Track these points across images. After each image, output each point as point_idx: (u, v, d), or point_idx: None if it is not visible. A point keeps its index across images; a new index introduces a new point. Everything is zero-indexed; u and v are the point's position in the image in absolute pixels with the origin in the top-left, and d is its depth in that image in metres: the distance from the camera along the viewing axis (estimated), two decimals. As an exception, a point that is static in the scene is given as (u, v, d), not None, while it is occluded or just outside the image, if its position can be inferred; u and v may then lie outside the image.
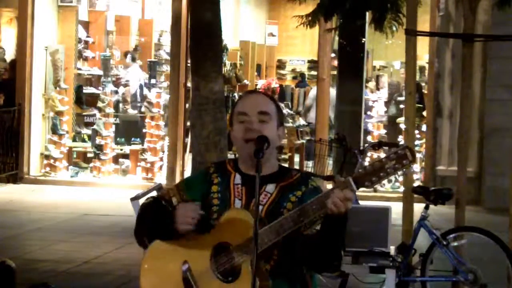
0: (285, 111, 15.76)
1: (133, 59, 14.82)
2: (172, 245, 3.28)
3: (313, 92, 17.30)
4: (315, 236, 3.16)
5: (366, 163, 12.99)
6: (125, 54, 14.91)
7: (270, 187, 3.31)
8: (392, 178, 13.13)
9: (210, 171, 3.41)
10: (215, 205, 3.32)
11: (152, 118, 13.93)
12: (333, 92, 14.43)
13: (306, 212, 3.08)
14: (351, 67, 13.46)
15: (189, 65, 10.00)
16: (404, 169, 3.00)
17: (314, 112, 16.31)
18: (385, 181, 3.14)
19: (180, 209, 3.23)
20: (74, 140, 14.39)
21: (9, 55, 15.42)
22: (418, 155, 13.41)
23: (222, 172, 3.38)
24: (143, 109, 14.15)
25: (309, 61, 21.66)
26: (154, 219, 3.31)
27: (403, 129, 10.08)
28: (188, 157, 13.09)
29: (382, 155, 13.43)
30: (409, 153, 2.98)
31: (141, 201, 5.75)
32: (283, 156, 15.01)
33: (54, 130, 13.93)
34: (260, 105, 3.33)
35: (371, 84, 15.50)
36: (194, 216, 3.21)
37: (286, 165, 14.50)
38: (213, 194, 3.35)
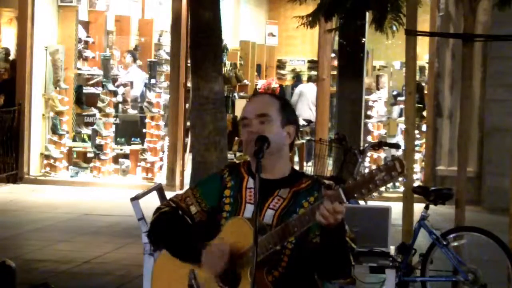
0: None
1: (134, 60, 14.80)
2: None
3: (297, 90, 17.43)
4: (319, 246, 3.17)
5: (366, 163, 13.01)
6: (126, 53, 14.88)
7: (283, 192, 3.30)
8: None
9: (224, 175, 3.41)
10: (226, 211, 3.34)
11: (152, 118, 13.93)
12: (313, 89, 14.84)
13: (300, 222, 3.08)
14: (351, 67, 13.45)
15: (189, 65, 10.00)
16: (393, 181, 2.99)
17: (298, 109, 16.53)
18: (376, 193, 3.13)
19: (207, 255, 3.20)
20: (74, 140, 14.38)
21: (10, 55, 15.42)
22: (418, 155, 13.41)
23: (236, 176, 3.39)
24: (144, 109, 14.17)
25: (309, 61, 21.67)
26: (174, 237, 3.32)
27: (403, 129, 10.09)
28: (188, 157, 13.09)
29: (382, 155, 13.52)
30: (398, 165, 2.97)
31: (141, 202, 5.76)
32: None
33: (54, 130, 13.93)
34: (259, 108, 3.33)
35: (371, 85, 15.50)
36: (221, 266, 3.19)
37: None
38: (225, 198, 3.36)
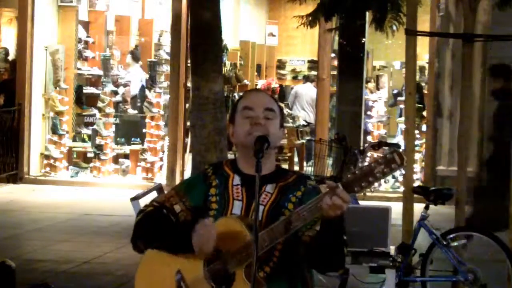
0: (285, 111, 15.78)
1: (136, 60, 14.79)
2: (166, 253, 3.28)
3: (293, 91, 17.49)
4: (316, 238, 3.15)
5: (367, 163, 12.98)
6: (130, 53, 14.86)
7: (270, 187, 3.28)
8: (391, 178, 13.14)
9: (208, 173, 3.37)
10: (213, 209, 3.30)
11: (152, 118, 13.93)
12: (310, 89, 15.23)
13: (297, 220, 3.07)
14: (351, 67, 13.46)
15: (189, 65, 10.00)
16: (393, 173, 3.00)
17: (294, 110, 16.60)
18: (376, 184, 3.15)
19: (196, 237, 3.15)
20: (74, 140, 14.39)
21: (9, 55, 15.42)
22: (418, 155, 13.41)
23: (220, 174, 3.35)
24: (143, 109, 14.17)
25: (309, 61, 21.66)
26: (158, 231, 3.27)
27: (403, 129, 10.10)
28: (188, 157, 13.09)
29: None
30: (397, 157, 2.96)
31: (141, 202, 5.76)
32: (282, 156, 15.02)
33: (54, 130, 13.93)
34: (266, 102, 3.32)
35: (371, 85, 15.53)
36: (209, 248, 3.16)
37: (286, 165, 14.55)
38: (211, 197, 3.32)
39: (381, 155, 3.01)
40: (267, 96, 3.40)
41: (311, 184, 3.33)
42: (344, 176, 8.28)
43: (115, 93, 14.55)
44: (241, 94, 16.96)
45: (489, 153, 11.10)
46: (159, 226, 3.28)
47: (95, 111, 14.31)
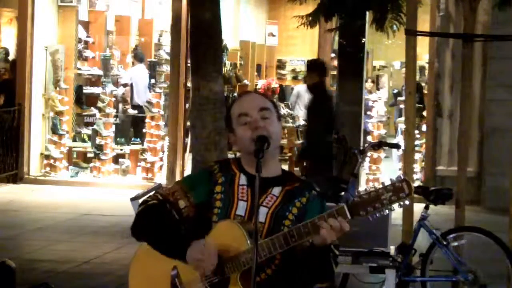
0: (285, 111, 15.78)
1: (139, 60, 14.77)
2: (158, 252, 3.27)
3: (294, 91, 17.54)
4: (306, 250, 3.14)
5: (367, 163, 12.96)
6: (134, 54, 14.85)
7: (276, 190, 3.27)
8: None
9: (214, 171, 3.34)
10: (217, 207, 3.28)
11: (152, 118, 13.93)
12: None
13: (299, 234, 3.06)
14: (351, 67, 13.44)
15: (189, 65, 10.01)
16: (400, 201, 2.98)
17: (295, 110, 16.64)
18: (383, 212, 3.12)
19: (192, 254, 3.13)
20: (74, 140, 14.38)
21: (9, 55, 15.42)
22: (418, 155, 13.41)
23: (226, 172, 3.33)
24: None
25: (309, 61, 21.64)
26: (157, 228, 3.25)
27: (403, 129, 10.09)
28: (188, 157, 13.09)
29: (382, 155, 13.51)
30: (406, 186, 2.97)
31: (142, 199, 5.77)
32: (282, 156, 15.02)
33: (54, 130, 13.93)
34: (259, 102, 3.30)
35: (368, 85, 15.53)
36: (209, 268, 3.13)
37: (286, 165, 14.54)
38: (216, 194, 3.29)
39: (390, 183, 2.99)
40: (258, 96, 3.38)
41: (316, 191, 3.32)
42: (344, 176, 8.27)
43: (115, 92, 14.54)
44: (234, 98, 17.00)
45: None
46: (159, 223, 3.25)
47: (95, 111, 14.30)
